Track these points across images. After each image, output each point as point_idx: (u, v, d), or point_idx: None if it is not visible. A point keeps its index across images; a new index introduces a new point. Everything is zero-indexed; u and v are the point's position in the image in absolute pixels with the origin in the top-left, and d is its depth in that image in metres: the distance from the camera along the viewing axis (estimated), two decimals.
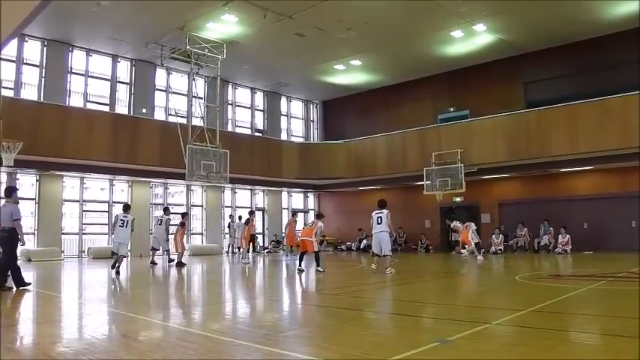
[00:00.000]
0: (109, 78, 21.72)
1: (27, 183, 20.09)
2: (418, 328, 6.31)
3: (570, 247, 19.62)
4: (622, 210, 19.50)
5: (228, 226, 23.60)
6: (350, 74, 24.76)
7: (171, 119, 21.87)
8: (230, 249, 24.00)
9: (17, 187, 19.23)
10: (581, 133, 18.36)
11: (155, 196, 23.83)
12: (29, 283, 10.01)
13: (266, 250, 25.41)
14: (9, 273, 9.82)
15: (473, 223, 19.97)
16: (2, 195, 11.06)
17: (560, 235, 19.97)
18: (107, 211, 21.97)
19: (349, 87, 26.62)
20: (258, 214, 27.00)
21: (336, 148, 25.92)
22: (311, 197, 30.18)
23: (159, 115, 23.03)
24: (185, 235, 18.25)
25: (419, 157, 22.43)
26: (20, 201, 18.93)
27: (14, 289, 9.68)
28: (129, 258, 16.54)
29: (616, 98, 17.76)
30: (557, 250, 19.83)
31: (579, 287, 9.48)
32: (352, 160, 25.08)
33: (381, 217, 12.88)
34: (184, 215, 18.88)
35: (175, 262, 16.65)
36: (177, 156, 18.64)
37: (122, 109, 21.96)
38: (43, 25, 18.24)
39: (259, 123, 27.23)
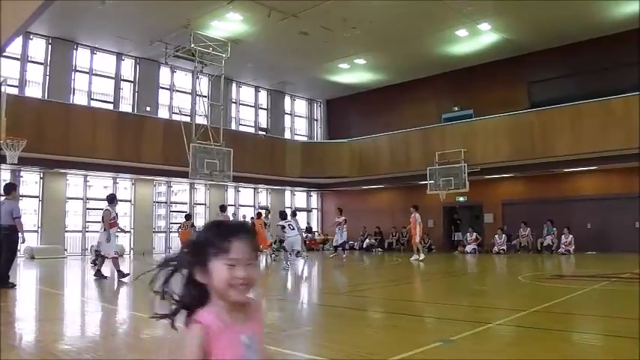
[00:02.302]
0: (113, 76, 21.74)
1: (31, 181, 20.15)
2: (421, 327, 6.31)
3: (573, 247, 19.58)
4: (626, 210, 19.40)
5: None
6: (354, 73, 24.74)
7: (175, 117, 21.89)
8: None
9: (20, 184, 19.45)
10: (585, 133, 18.30)
11: (158, 194, 23.86)
12: (14, 285, 9.71)
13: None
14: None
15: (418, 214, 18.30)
16: (1, 192, 11.02)
17: (563, 236, 19.92)
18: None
19: (353, 86, 26.59)
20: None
21: (339, 147, 25.90)
22: (314, 196, 30.18)
23: (163, 113, 23.05)
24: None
25: (422, 157, 22.39)
26: (24, 198, 19.11)
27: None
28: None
29: (620, 99, 17.68)
30: (560, 250, 19.78)
31: (582, 288, 9.45)
32: (356, 160, 25.06)
33: (292, 224, 15.07)
34: (189, 217, 19.00)
35: None
36: (181, 154, 18.67)
37: (126, 107, 21.98)
38: (47, 23, 18.26)
39: (263, 122, 27.20)
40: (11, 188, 10.35)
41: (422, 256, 17.58)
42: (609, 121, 17.71)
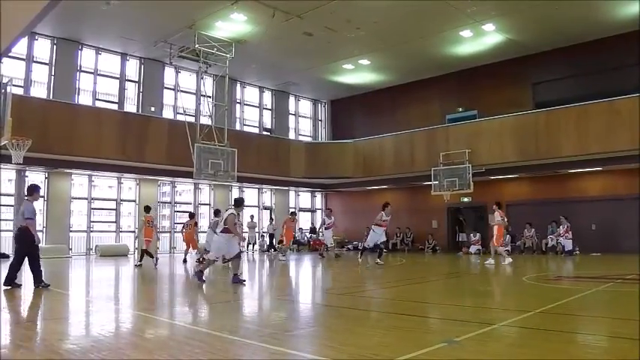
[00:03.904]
0: (118, 76, 21.79)
1: (36, 180, 20.16)
2: (425, 328, 6.30)
3: (571, 236, 19.28)
4: (631, 211, 19.31)
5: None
6: (358, 74, 24.72)
7: (180, 118, 21.93)
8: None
9: (25, 184, 19.51)
10: (590, 134, 18.24)
11: (163, 194, 23.91)
12: (19, 285, 9.70)
13: (273, 250, 25.43)
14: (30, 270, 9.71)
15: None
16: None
17: (561, 227, 19.64)
18: (115, 209, 22.07)
19: (357, 86, 26.58)
20: (265, 213, 27.12)
21: (343, 147, 25.90)
22: (318, 197, 30.18)
23: (167, 113, 23.09)
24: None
25: (427, 157, 22.38)
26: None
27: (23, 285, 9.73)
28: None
29: (625, 99, 17.61)
30: (560, 241, 19.58)
31: (587, 289, 9.43)
32: (360, 160, 25.05)
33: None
34: (192, 215, 19.04)
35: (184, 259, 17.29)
36: (185, 154, 18.71)
37: (131, 107, 22.03)
38: (52, 24, 18.33)
39: (267, 122, 27.26)
40: (32, 190, 10.17)
41: (492, 261, 15.68)
42: (614, 121, 17.65)
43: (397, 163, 23.64)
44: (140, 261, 15.77)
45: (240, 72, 23.95)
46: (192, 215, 18.91)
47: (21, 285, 9.74)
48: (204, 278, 10.87)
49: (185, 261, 17.31)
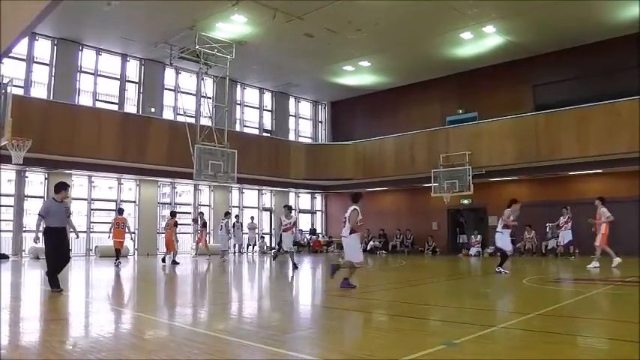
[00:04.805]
0: (119, 77, 21.81)
1: (36, 181, 20.23)
2: (425, 330, 6.28)
3: (570, 227, 18.77)
4: (631, 214, 19.28)
5: (233, 226, 23.70)
6: (359, 75, 24.73)
7: (180, 119, 21.94)
8: (237, 249, 24.11)
9: (25, 184, 19.54)
10: (591, 136, 18.25)
11: (163, 195, 23.90)
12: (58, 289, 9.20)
13: (273, 251, 25.41)
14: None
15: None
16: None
17: (562, 217, 19.32)
18: (115, 210, 22.03)
19: (358, 88, 26.59)
20: (265, 214, 27.12)
21: (344, 149, 25.90)
22: (318, 198, 30.17)
23: (167, 114, 23.11)
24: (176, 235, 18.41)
25: (427, 159, 22.40)
26: (29, 199, 19.20)
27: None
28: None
29: (626, 101, 17.63)
30: (558, 237, 19.45)
31: (587, 291, 9.42)
32: (360, 161, 25.06)
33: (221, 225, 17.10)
34: (174, 214, 18.94)
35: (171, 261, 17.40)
36: (186, 155, 18.70)
37: (131, 108, 22.05)
38: (53, 24, 18.36)
39: (268, 124, 27.26)
40: (59, 187, 9.46)
41: (596, 264, 14.14)
42: (615, 124, 17.67)
43: (397, 164, 23.66)
44: (117, 259, 16.24)
45: (241, 73, 23.96)
46: (173, 214, 18.84)
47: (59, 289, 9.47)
48: (353, 283, 9.68)
49: (175, 262, 17.18)
